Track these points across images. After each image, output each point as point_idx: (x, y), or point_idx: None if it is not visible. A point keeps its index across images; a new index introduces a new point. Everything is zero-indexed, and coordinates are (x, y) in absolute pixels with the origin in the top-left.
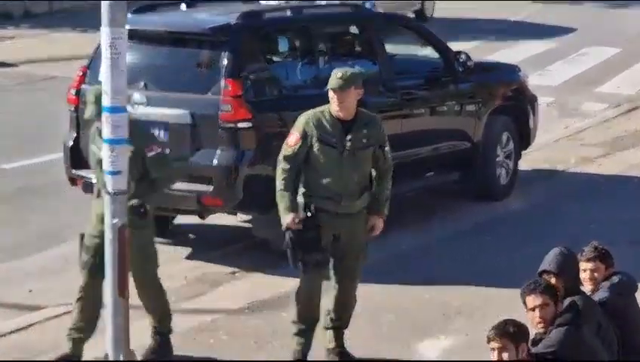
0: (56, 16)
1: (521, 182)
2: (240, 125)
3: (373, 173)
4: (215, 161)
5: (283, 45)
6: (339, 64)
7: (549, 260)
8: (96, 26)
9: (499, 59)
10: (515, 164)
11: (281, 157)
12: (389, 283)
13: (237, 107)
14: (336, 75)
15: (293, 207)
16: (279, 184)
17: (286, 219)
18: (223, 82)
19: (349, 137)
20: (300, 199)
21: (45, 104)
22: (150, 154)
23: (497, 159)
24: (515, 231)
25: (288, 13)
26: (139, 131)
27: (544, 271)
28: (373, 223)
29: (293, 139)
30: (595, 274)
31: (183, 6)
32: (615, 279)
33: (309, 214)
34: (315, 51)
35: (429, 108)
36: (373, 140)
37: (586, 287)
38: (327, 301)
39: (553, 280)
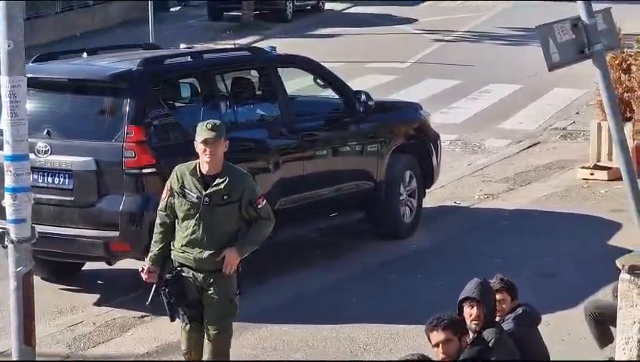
0: None
1: (426, 220)
2: (144, 170)
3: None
4: (121, 207)
5: (185, 90)
6: (240, 107)
7: (471, 288)
8: None
9: (402, 98)
10: (419, 202)
11: (157, 211)
12: (296, 322)
13: (141, 153)
14: (205, 127)
15: (152, 261)
16: (153, 236)
17: (144, 270)
18: (126, 128)
19: (207, 192)
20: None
21: None
22: None
23: (401, 198)
24: (420, 268)
25: (189, 58)
26: None
27: (466, 299)
28: (226, 254)
29: (164, 193)
30: (503, 305)
31: (85, 55)
32: (519, 311)
33: (171, 270)
34: (217, 95)
35: (330, 149)
36: (236, 196)
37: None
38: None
39: (475, 309)
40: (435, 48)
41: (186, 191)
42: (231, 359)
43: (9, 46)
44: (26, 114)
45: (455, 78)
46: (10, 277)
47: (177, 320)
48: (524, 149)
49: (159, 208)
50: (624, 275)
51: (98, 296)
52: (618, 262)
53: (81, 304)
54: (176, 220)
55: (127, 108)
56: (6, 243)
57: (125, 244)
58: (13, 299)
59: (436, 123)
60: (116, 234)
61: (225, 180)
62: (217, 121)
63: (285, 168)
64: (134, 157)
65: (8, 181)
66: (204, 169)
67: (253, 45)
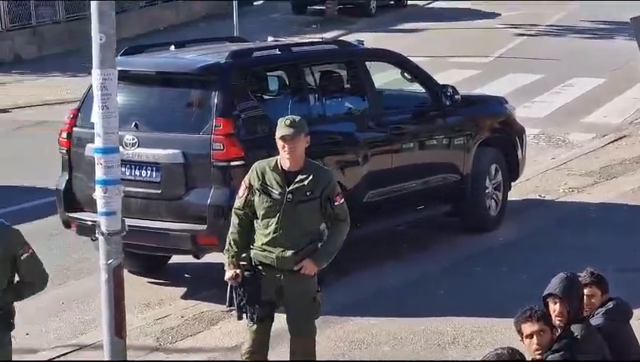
0: (45, 61)
1: (511, 213)
2: (233, 163)
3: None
4: (209, 200)
5: (272, 83)
6: (328, 100)
7: (555, 284)
8: (85, 70)
9: (486, 92)
10: (505, 195)
11: (233, 209)
12: (383, 315)
13: (229, 145)
14: (284, 123)
15: (234, 263)
16: (228, 238)
17: (226, 274)
18: (214, 121)
19: (290, 188)
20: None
21: (36, 149)
22: (25, 256)
23: (487, 191)
24: (506, 262)
25: (277, 51)
26: (8, 232)
27: (549, 295)
28: (304, 264)
29: (241, 190)
30: (592, 299)
31: (172, 47)
32: (610, 305)
33: (249, 268)
34: (305, 88)
35: (418, 143)
36: (318, 193)
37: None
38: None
39: (558, 305)
40: (518, 43)
41: (268, 187)
42: (318, 353)
43: (101, 39)
44: (116, 107)
45: (537, 72)
46: (101, 269)
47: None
48: (609, 143)
49: (236, 206)
50: None
51: (185, 289)
52: None
53: (168, 297)
54: (255, 219)
55: (216, 101)
56: (97, 235)
57: (212, 238)
58: (104, 291)
59: (519, 117)
60: (204, 227)
61: (308, 176)
62: (297, 117)
63: (373, 161)
64: (223, 149)
65: (99, 173)
66: (286, 165)
67: (341, 39)
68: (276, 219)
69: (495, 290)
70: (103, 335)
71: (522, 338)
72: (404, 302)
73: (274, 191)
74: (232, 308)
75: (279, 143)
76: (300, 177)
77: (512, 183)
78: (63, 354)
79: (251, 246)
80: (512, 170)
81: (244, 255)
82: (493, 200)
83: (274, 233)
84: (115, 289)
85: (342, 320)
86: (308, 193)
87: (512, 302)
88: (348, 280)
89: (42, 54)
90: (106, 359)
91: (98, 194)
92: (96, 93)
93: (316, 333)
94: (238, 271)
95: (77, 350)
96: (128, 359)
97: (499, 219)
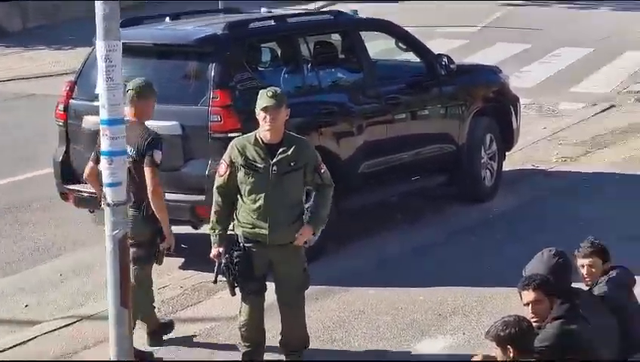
0: (30, 34)
1: (505, 183)
2: (230, 135)
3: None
4: (207, 171)
5: (269, 54)
6: (323, 71)
7: (532, 267)
8: (71, 42)
9: (475, 62)
10: (500, 165)
11: (214, 188)
12: (382, 285)
13: (227, 117)
14: (266, 94)
15: (219, 241)
16: (211, 216)
17: (212, 251)
18: (211, 93)
19: (274, 160)
20: (236, 229)
21: (26, 121)
22: None
23: (482, 161)
24: (503, 232)
25: (272, 22)
26: None
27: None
28: (301, 232)
29: (222, 168)
30: (593, 269)
31: (168, 19)
32: (613, 273)
33: (238, 248)
34: (300, 59)
35: (413, 113)
36: (302, 163)
37: (585, 283)
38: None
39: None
40: (505, 12)
41: (251, 162)
42: (320, 322)
43: (105, 10)
44: (121, 78)
45: (525, 42)
46: (106, 240)
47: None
48: (599, 112)
49: (218, 185)
50: None
51: (183, 260)
52: None
53: (166, 268)
54: (240, 195)
55: (213, 73)
56: (102, 206)
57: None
58: (110, 261)
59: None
60: (202, 198)
61: (290, 147)
62: (278, 89)
63: (368, 132)
64: (220, 121)
65: (104, 145)
66: (266, 137)
67: (336, 9)
68: (263, 193)
69: (492, 260)
70: (108, 305)
71: (523, 305)
72: (402, 272)
73: (258, 164)
74: (221, 280)
75: (261, 115)
76: (281, 148)
77: (507, 153)
78: (64, 326)
79: (238, 224)
80: (507, 139)
81: (230, 232)
82: (488, 171)
83: (262, 207)
84: (120, 259)
85: (341, 290)
86: (292, 163)
87: (510, 271)
88: (345, 250)
89: (27, 27)
90: (111, 329)
91: (103, 165)
92: (101, 64)
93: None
94: (222, 248)
95: (78, 321)
96: None
97: (494, 189)
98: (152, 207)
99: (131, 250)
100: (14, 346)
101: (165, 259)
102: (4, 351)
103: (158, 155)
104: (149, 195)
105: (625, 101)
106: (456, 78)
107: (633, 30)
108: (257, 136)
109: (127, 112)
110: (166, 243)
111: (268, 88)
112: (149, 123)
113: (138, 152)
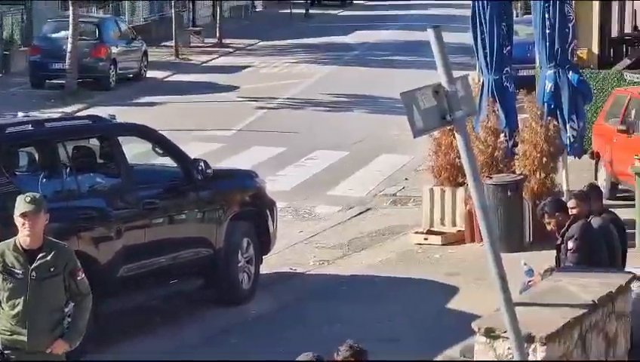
0: None
1: (263, 286)
2: None
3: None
4: None
5: (26, 159)
6: (82, 176)
7: None
8: None
9: (231, 166)
10: (257, 269)
11: None
12: None
13: None
14: (24, 200)
15: None
16: None
17: None
18: None
19: (33, 266)
20: None
21: None
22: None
23: (239, 264)
24: (262, 334)
25: (30, 127)
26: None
27: None
28: (55, 346)
29: None
30: None
31: None
32: None
33: None
34: (59, 164)
35: (170, 218)
36: (61, 268)
37: None
38: None
39: None
40: (260, 115)
41: (10, 268)
42: None
43: None
44: None
45: (281, 145)
46: None
47: None
48: (355, 215)
49: None
50: (480, 338)
51: None
52: (474, 325)
53: None
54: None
55: None
56: None
57: None
58: None
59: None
60: None
61: (49, 252)
62: (36, 194)
63: (127, 236)
64: None
65: None
66: (26, 243)
67: (94, 114)
68: (22, 298)
69: None
70: None
71: None
72: None
73: (16, 270)
74: None
75: (19, 221)
76: (41, 254)
77: (264, 256)
78: None
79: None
80: (264, 243)
81: None
82: (245, 274)
83: (20, 313)
84: None
85: None
86: (52, 269)
87: None
88: (105, 354)
89: None
90: None
91: None
92: None
93: None
94: None
95: None
96: None
97: (252, 292)
98: None
99: None
100: None
101: None
102: None
103: None
104: None
105: (381, 204)
106: (212, 182)
107: (387, 133)
108: (17, 242)
109: None
110: None
111: (26, 193)
112: None
113: None
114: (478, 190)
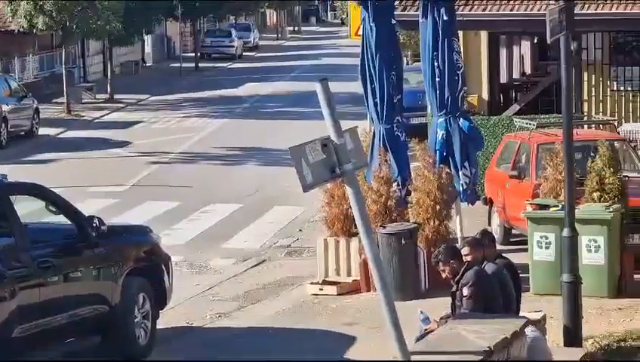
0: None
1: (160, 341)
2: None
3: None
4: None
5: None
6: None
7: None
8: None
9: (124, 221)
10: (154, 324)
11: None
12: None
13: None
14: None
15: None
16: None
17: None
18: None
19: None
20: None
21: None
22: None
23: (136, 320)
24: None
25: None
26: None
27: None
28: None
29: None
30: None
31: None
32: None
33: None
34: None
35: (65, 276)
36: None
37: None
38: None
39: None
40: (153, 170)
41: None
42: None
43: None
44: None
45: (174, 199)
46: None
47: None
48: (251, 267)
49: None
50: None
51: None
52: None
53: None
54: None
55: None
56: None
57: None
58: None
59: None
60: None
61: None
62: None
63: (22, 296)
64: None
65: None
66: None
67: None
68: None
69: None
70: None
71: None
72: None
73: None
74: None
75: None
76: None
77: (161, 311)
78: None
79: None
80: (160, 298)
81: None
82: (142, 329)
83: None
84: None
85: None
86: None
87: None
88: None
89: None
90: None
91: None
92: None
93: None
94: None
95: None
96: None
97: (149, 348)
98: None
99: None
100: None
101: None
102: None
103: None
104: None
105: (276, 255)
106: (107, 239)
107: (280, 185)
108: None
109: None
110: None
111: None
112: None
113: None
114: (370, 241)
